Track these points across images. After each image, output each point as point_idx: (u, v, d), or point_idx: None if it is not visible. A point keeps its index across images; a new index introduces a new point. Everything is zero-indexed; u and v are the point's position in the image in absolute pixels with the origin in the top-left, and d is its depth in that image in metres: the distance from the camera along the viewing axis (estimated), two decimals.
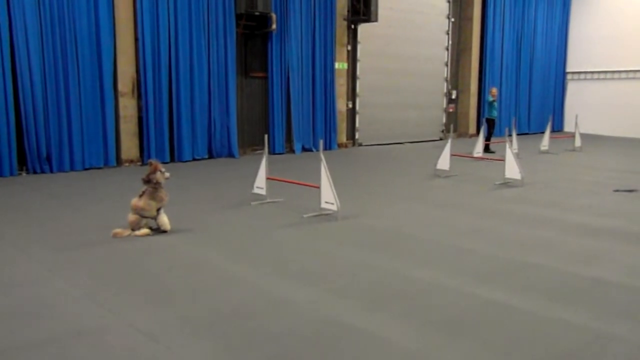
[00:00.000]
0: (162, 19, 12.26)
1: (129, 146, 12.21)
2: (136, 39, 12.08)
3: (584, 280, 5.07)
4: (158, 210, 6.60)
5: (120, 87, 11.95)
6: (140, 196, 6.53)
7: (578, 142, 15.88)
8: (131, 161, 12.21)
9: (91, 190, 9.44)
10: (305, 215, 7.42)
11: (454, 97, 19.52)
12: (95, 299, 4.54)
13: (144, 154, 12.31)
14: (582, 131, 16.84)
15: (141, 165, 12.14)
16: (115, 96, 11.88)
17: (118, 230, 6.45)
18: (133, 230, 6.47)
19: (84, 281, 4.98)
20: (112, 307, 4.38)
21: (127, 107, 12.11)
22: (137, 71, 12.17)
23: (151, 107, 12.27)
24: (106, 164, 11.83)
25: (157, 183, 6.57)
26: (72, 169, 11.37)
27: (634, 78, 20.61)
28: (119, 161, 12.07)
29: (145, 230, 6.49)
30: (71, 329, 4.00)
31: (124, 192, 8.92)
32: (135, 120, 12.26)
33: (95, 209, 7.92)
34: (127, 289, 4.81)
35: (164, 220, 6.61)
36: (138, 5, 11.91)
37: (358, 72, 16.55)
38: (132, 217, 6.50)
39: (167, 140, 12.59)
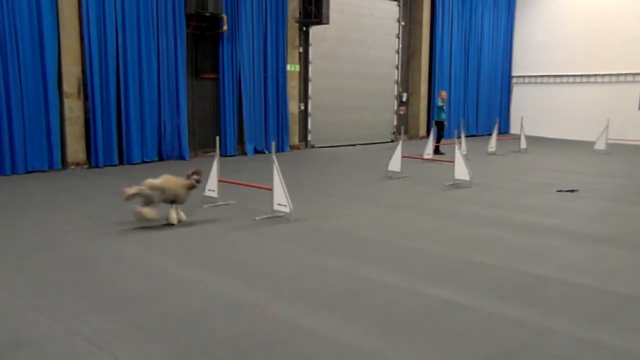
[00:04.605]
0: (109, 17, 11.91)
1: (76, 149, 11.82)
2: (82, 38, 11.70)
3: (528, 277, 5.25)
4: (172, 202, 6.85)
5: (65, 87, 11.56)
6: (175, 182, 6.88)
7: (523, 144, 16.46)
8: (78, 164, 11.83)
9: (34, 194, 9.10)
10: (257, 218, 7.39)
11: (404, 99, 19.84)
12: (39, 308, 4.38)
13: (91, 157, 11.96)
14: (528, 133, 17.43)
15: (88, 168, 11.81)
16: (60, 97, 11.48)
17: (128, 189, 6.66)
18: (125, 196, 6.63)
19: (27, 289, 4.80)
20: (57, 316, 4.23)
21: (73, 108, 11.72)
22: (83, 71, 11.80)
23: (98, 109, 11.91)
24: (51, 167, 11.42)
25: (194, 185, 7.01)
26: (14, 172, 10.93)
27: (574, 82, 21.47)
28: (64, 164, 11.67)
29: (152, 213, 6.65)
30: (13, 339, 3.84)
31: (69, 196, 8.65)
32: (81, 122, 11.88)
33: (37, 214, 7.64)
34: (74, 296, 4.66)
35: (175, 215, 6.94)
36: (83, 2, 11.53)
37: (310, 74, 16.62)
38: (134, 189, 6.63)
39: (116, 142, 12.26)
